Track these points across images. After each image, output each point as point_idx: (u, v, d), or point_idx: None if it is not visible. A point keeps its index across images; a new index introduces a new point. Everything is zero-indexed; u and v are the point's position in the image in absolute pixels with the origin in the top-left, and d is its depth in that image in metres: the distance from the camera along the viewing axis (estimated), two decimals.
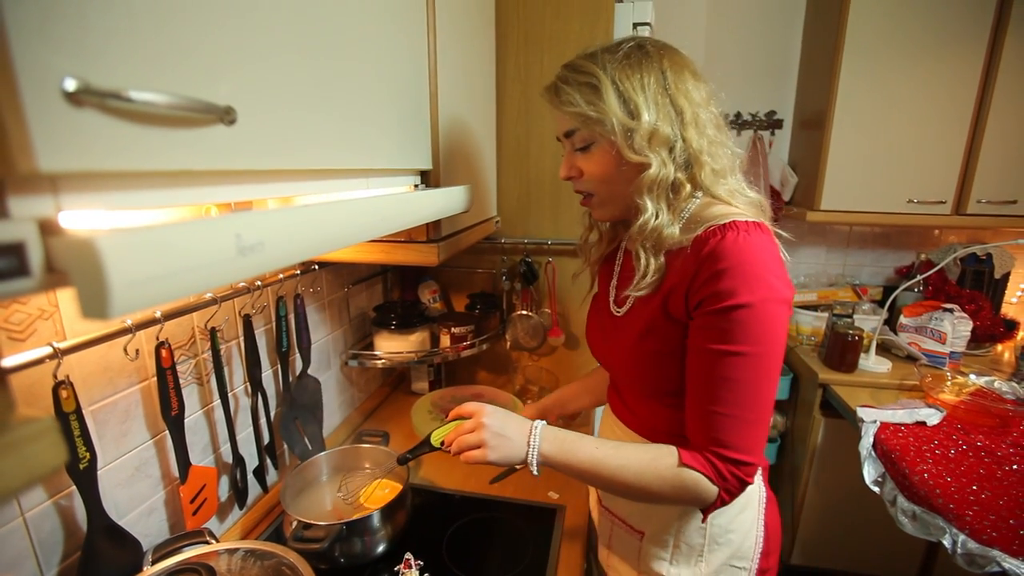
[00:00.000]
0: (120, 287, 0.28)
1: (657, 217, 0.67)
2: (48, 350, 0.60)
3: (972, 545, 1.02)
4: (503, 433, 0.69)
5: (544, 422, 0.71)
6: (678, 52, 0.71)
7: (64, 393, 0.63)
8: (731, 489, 0.65)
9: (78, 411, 0.65)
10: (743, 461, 0.64)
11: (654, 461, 0.66)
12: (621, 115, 0.65)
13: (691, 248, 0.65)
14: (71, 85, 0.29)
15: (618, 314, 0.78)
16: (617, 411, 0.86)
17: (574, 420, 1.36)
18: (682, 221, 0.68)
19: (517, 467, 0.71)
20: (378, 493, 1.00)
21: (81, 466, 0.65)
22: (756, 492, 0.78)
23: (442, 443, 0.75)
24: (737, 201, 0.69)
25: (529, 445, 0.68)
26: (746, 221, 0.63)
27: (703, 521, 0.73)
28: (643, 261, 0.68)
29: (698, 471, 0.64)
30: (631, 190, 0.69)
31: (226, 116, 0.41)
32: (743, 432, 0.63)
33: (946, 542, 1.07)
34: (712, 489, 0.64)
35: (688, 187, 0.68)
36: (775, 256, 0.63)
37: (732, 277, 0.60)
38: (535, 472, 0.69)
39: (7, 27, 0.26)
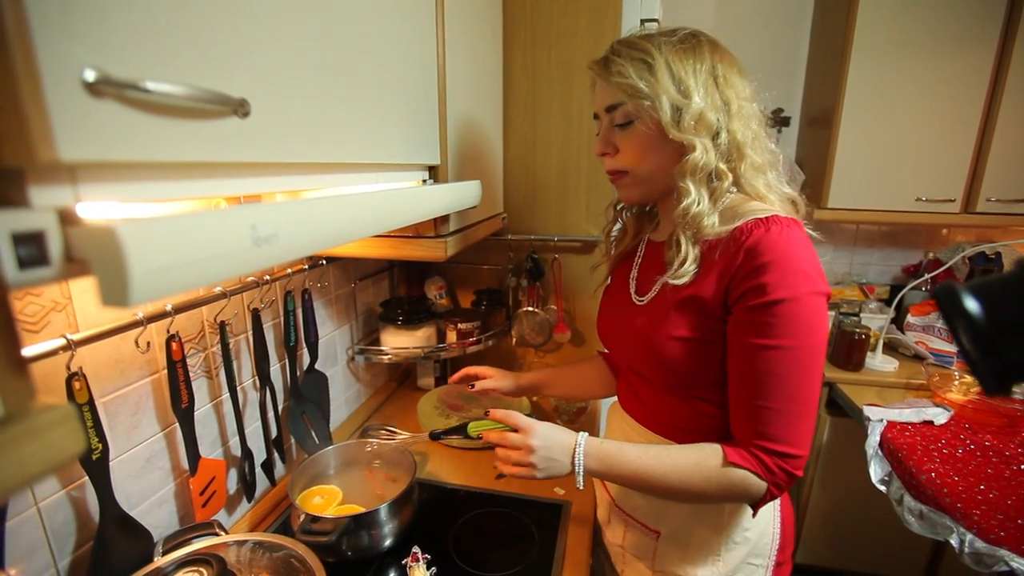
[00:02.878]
0: (140, 275, 0.28)
1: (699, 204, 0.67)
2: (62, 342, 0.61)
3: (980, 544, 1.02)
4: (551, 456, 0.70)
5: (586, 435, 0.72)
6: (727, 49, 0.72)
7: (77, 384, 0.64)
8: (779, 483, 0.65)
9: (91, 402, 0.66)
10: (790, 454, 0.64)
11: (699, 464, 0.66)
12: (673, 93, 0.66)
13: (730, 239, 0.65)
14: (91, 76, 0.30)
15: (640, 302, 0.78)
16: (627, 405, 0.86)
17: (578, 419, 1.36)
18: (717, 213, 0.69)
19: None
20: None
21: (94, 457, 0.66)
22: None
23: (478, 436, 0.76)
24: (773, 196, 0.70)
25: (574, 464, 0.70)
26: (786, 216, 0.64)
27: (753, 515, 0.73)
28: (683, 248, 0.68)
29: (745, 468, 0.64)
30: (666, 173, 0.70)
31: (240, 108, 0.41)
32: (789, 425, 0.63)
33: (953, 541, 1.06)
34: (760, 484, 0.64)
35: (729, 177, 0.68)
36: (813, 252, 0.64)
37: (776, 271, 0.61)
38: (580, 484, 0.70)
39: (30, 18, 0.27)
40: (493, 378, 1.02)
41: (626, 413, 0.86)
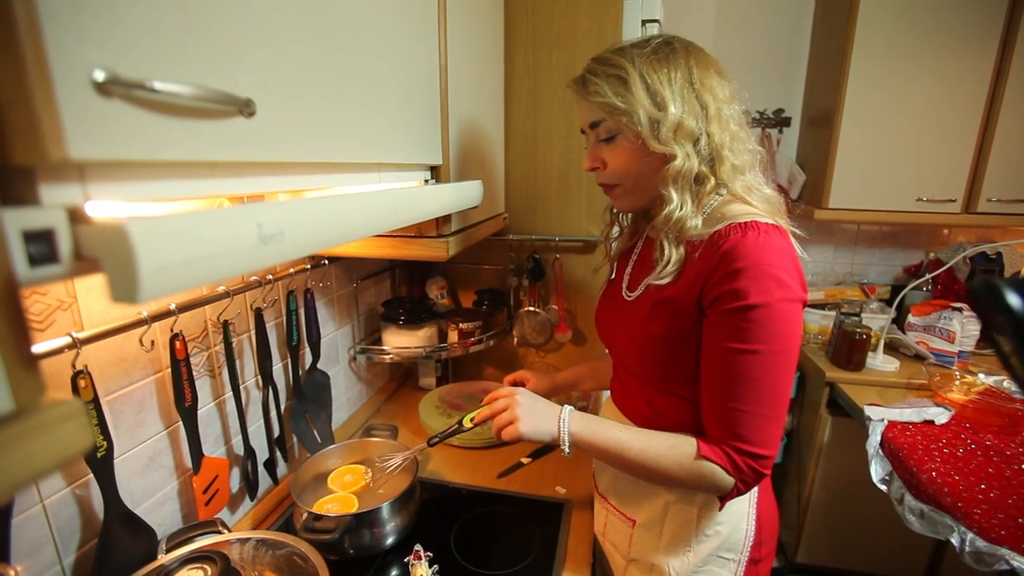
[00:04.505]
0: (149, 272, 0.28)
1: (681, 208, 0.68)
2: (67, 340, 0.61)
3: (980, 543, 1.02)
4: (534, 409, 0.75)
5: (571, 407, 0.76)
6: (703, 51, 0.72)
7: (82, 382, 0.64)
8: (747, 480, 0.67)
9: (95, 400, 0.66)
10: (760, 455, 0.65)
11: (673, 448, 0.69)
12: (648, 106, 0.67)
13: (710, 243, 0.66)
14: (100, 76, 0.30)
15: (629, 298, 0.80)
16: (617, 400, 0.88)
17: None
18: (704, 215, 0.69)
19: (550, 445, 0.75)
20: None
21: (99, 455, 0.67)
22: None
23: (472, 422, 0.82)
24: (753, 197, 0.70)
25: (560, 422, 0.73)
26: (765, 222, 0.64)
27: (720, 508, 0.74)
28: (666, 251, 0.70)
29: (715, 463, 0.66)
30: (656, 181, 0.70)
31: (246, 108, 0.42)
32: (760, 427, 0.65)
33: (954, 540, 1.06)
34: (728, 480, 0.67)
35: (712, 180, 0.69)
36: (792, 258, 0.64)
37: (748, 277, 0.62)
38: (566, 450, 0.73)
39: (41, 19, 0.27)
40: (531, 380, 1.07)
41: (615, 407, 0.88)
